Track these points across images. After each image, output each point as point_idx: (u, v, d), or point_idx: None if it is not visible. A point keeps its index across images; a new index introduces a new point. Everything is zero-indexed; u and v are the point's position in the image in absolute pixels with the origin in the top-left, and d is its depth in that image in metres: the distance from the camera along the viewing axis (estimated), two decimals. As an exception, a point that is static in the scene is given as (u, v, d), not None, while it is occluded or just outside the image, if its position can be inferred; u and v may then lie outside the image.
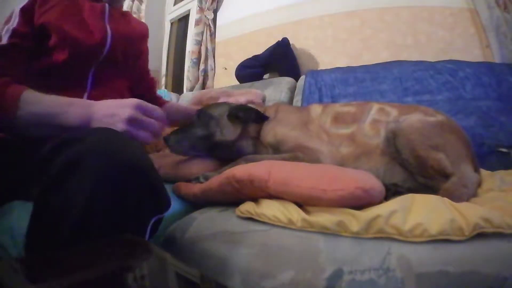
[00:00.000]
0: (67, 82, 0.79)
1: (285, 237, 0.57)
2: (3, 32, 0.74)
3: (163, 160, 1.05)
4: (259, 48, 1.98)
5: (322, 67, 1.69)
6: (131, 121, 0.63)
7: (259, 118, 0.95)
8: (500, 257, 0.46)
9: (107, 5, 0.90)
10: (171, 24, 2.80)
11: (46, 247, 0.45)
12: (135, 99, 0.68)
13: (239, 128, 0.94)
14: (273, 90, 1.63)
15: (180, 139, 0.94)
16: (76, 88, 0.81)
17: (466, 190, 0.70)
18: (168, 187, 0.65)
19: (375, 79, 1.41)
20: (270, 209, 0.62)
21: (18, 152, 0.67)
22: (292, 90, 1.64)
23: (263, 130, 0.96)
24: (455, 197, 0.64)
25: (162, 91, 2.17)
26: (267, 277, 0.52)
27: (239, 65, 1.99)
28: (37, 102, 0.64)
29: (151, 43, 1.13)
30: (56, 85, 0.71)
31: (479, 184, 0.76)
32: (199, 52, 2.33)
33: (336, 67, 1.61)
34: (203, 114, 0.97)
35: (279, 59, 1.88)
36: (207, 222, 0.69)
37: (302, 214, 0.58)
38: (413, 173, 0.78)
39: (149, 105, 0.69)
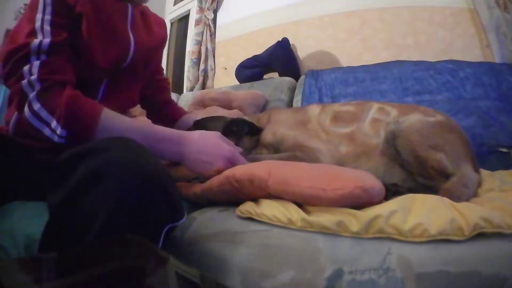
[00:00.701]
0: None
1: (285, 237, 0.57)
2: (38, 23, 0.63)
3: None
4: (259, 48, 1.98)
5: (322, 67, 1.69)
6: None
7: (253, 131, 0.98)
8: (500, 257, 0.46)
9: (130, 6, 0.82)
10: (171, 24, 2.80)
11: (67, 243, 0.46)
12: (230, 149, 0.74)
13: (233, 141, 0.95)
14: (273, 90, 1.63)
15: None
16: (87, 95, 0.73)
17: (466, 190, 0.70)
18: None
19: (375, 79, 1.41)
20: (270, 209, 0.62)
21: (21, 152, 0.66)
22: (292, 90, 1.64)
23: (262, 133, 0.98)
24: (455, 196, 0.64)
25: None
26: (267, 277, 0.52)
27: (239, 65, 1.99)
28: (115, 129, 0.64)
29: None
30: None
31: (479, 184, 0.76)
32: (199, 52, 2.33)
33: (336, 67, 1.61)
34: (200, 127, 0.98)
35: (279, 59, 1.88)
36: (207, 222, 0.69)
37: (302, 214, 0.58)
38: (413, 173, 0.78)
39: (241, 159, 0.75)
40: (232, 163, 0.72)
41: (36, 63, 0.61)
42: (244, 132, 0.97)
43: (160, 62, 1.07)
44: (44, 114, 0.59)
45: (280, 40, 1.90)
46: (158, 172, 0.50)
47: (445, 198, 0.59)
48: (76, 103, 0.62)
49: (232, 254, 0.58)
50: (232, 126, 0.97)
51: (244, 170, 0.69)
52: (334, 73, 1.53)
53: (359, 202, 0.57)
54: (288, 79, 1.70)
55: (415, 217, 0.51)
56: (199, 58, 2.32)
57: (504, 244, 0.48)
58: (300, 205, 0.62)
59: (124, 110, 0.87)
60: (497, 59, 1.45)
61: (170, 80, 2.69)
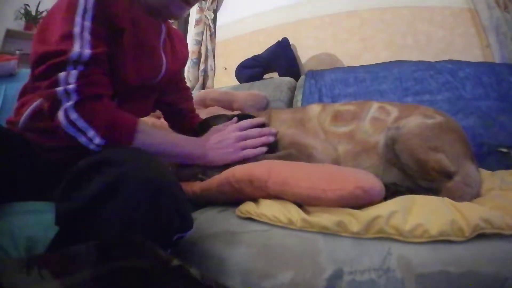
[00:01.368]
0: None
1: (285, 237, 0.57)
2: (77, 29, 0.61)
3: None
4: (259, 48, 1.98)
5: (322, 67, 1.69)
6: (241, 140, 0.80)
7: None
8: (500, 257, 0.46)
9: (163, 25, 0.81)
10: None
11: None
12: (233, 129, 0.83)
13: None
14: (273, 90, 1.63)
15: None
16: None
17: (470, 189, 0.70)
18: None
19: (375, 79, 1.41)
20: (270, 209, 0.62)
21: (28, 148, 0.66)
22: (292, 90, 1.64)
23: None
24: (458, 196, 0.64)
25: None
26: (267, 277, 0.52)
27: (239, 65, 1.99)
28: (153, 139, 0.69)
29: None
30: None
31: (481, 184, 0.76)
32: (199, 52, 2.33)
33: (336, 67, 1.61)
34: (206, 125, 1.00)
35: (279, 59, 1.88)
36: (207, 222, 0.69)
37: (302, 214, 0.58)
38: (415, 177, 0.76)
39: (246, 122, 0.83)
40: (245, 138, 0.81)
41: (74, 73, 0.60)
42: None
43: (182, 72, 1.10)
44: (81, 124, 0.60)
45: (280, 40, 1.90)
46: (171, 185, 0.51)
47: (445, 198, 0.59)
48: (115, 115, 0.64)
49: (232, 254, 0.58)
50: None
51: (243, 170, 0.69)
52: (334, 73, 1.53)
53: (359, 203, 0.57)
54: (288, 79, 1.70)
55: (416, 218, 0.51)
56: (199, 58, 2.32)
57: (504, 245, 0.48)
58: (300, 205, 0.62)
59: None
60: (497, 59, 1.45)
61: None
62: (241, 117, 0.97)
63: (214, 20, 2.36)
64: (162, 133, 0.75)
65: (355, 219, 0.54)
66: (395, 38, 1.72)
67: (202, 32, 2.33)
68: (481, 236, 0.49)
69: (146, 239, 0.45)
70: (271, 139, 0.85)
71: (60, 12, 0.64)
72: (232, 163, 0.79)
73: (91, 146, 0.61)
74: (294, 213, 0.59)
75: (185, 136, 0.81)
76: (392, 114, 0.88)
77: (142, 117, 0.96)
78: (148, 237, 0.46)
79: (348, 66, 1.58)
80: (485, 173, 0.84)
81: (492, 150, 1.06)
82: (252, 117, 0.98)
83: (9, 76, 1.45)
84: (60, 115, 0.59)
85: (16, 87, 1.42)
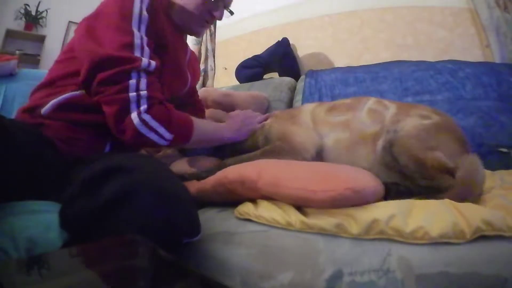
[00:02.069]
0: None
1: (284, 237, 0.57)
2: (137, 41, 0.70)
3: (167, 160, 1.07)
4: (259, 48, 1.98)
5: (322, 67, 1.69)
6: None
7: None
8: (500, 258, 0.46)
9: (188, 47, 0.95)
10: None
11: None
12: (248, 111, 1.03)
13: None
14: (273, 90, 1.63)
15: None
16: None
17: (475, 181, 0.68)
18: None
19: (375, 79, 1.41)
20: (268, 211, 0.62)
21: (43, 141, 0.68)
22: (292, 90, 1.64)
23: (260, 130, 1.01)
24: (464, 192, 0.63)
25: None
26: (267, 277, 0.52)
27: (239, 65, 1.98)
28: (203, 130, 0.81)
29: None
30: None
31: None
32: (199, 52, 2.33)
33: (336, 67, 1.61)
34: None
35: (279, 59, 1.88)
36: (207, 222, 0.69)
37: (301, 216, 0.58)
38: (415, 178, 0.75)
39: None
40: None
41: (144, 81, 0.69)
42: None
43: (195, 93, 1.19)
44: (153, 123, 0.69)
45: (280, 40, 1.89)
46: (181, 192, 0.54)
47: (446, 200, 0.58)
48: (177, 115, 0.74)
49: (231, 255, 0.58)
50: None
51: (235, 171, 0.69)
52: (334, 73, 1.53)
53: (351, 204, 0.56)
54: (288, 79, 1.69)
55: (416, 220, 0.51)
56: (199, 58, 2.32)
57: (504, 246, 0.48)
58: (299, 206, 0.62)
59: None
60: (497, 59, 1.44)
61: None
62: None
63: (214, 20, 2.35)
64: (206, 124, 0.85)
65: (354, 221, 0.53)
66: (395, 38, 1.71)
67: (202, 32, 2.33)
68: (481, 237, 0.49)
69: (157, 243, 0.46)
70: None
71: (113, 16, 0.71)
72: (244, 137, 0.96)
73: (161, 142, 0.70)
74: (292, 215, 0.59)
75: (219, 124, 0.95)
76: (390, 108, 0.88)
77: None
78: (159, 242, 0.47)
79: (348, 66, 1.58)
80: (485, 173, 0.83)
81: (492, 150, 1.06)
82: None
83: (9, 76, 1.45)
84: (134, 117, 0.67)
85: (16, 87, 1.43)
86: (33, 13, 3.49)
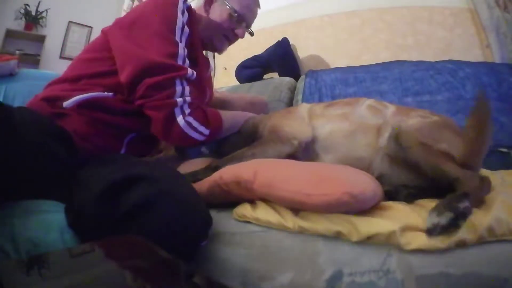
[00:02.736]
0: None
1: (284, 238, 0.57)
2: (181, 52, 0.77)
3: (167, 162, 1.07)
4: (259, 48, 1.98)
5: (322, 67, 1.69)
6: None
7: None
8: (500, 258, 0.46)
9: (211, 61, 1.02)
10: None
11: None
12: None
13: None
14: (273, 90, 1.62)
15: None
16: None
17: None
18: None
19: (375, 79, 1.41)
20: (265, 214, 0.61)
21: (60, 135, 0.69)
22: (292, 90, 1.64)
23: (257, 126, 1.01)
24: (477, 193, 0.59)
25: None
26: (267, 278, 0.52)
27: (239, 65, 1.98)
28: (228, 119, 0.88)
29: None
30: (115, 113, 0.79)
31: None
32: (199, 52, 2.33)
33: (336, 67, 1.61)
34: None
35: (279, 59, 1.88)
36: (207, 223, 0.69)
37: (298, 221, 0.56)
38: (420, 167, 0.70)
39: None
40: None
41: (187, 88, 0.77)
42: None
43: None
44: (195, 124, 0.78)
45: (280, 40, 1.89)
46: (199, 201, 0.59)
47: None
48: (210, 112, 0.82)
49: (231, 255, 0.58)
50: None
51: (231, 172, 0.68)
52: (334, 73, 1.53)
53: (347, 209, 0.54)
54: (288, 79, 1.69)
55: (419, 239, 0.49)
56: (199, 58, 2.32)
57: (505, 246, 0.48)
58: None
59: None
60: (497, 59, 1.44)
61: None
62: None
63: (214, 20, 2.35)
64: (227, 113, 0.90)
65: (354, 230, 0.52)
66: (395, 38, 1.71)
67: (202, 32, 2.33)
68: (481, 237, 0.49)
69: (177, 249, 0.48)
70: None
71: (157, 26, 0.77)
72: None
73: (200, 137, 0.79)
74: (289, 219, 0.58)
75: (235, 112, 1.02)
76: (389, 108, 0.88)
77: None
78: (179, 248, 0.51)
79: (348, 66, 1.58)
80: (485, 172, 0.83)
81: (492, 150, 1.06)
82: None
83: (9, 76, 1.45)
84: (180, 120, 0.75)
85: (16, 87, 1.43)
86: (33, 13, 3.48)
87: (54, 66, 3.34)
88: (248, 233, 0.61)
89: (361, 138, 0.83)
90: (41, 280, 0.35)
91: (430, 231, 0.49)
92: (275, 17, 2.08)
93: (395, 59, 1.51)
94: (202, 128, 0.79)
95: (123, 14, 1.47)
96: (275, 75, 1.90)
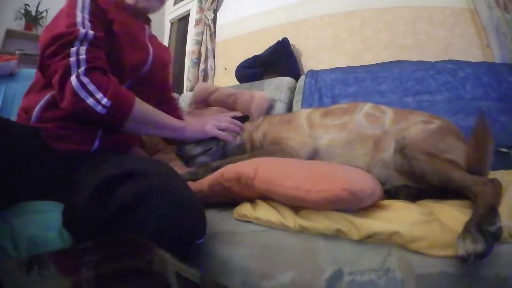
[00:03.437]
0: None
1: (285, 237, 0.57)
2: (79, 19, 0.74)
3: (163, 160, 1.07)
4: (259, 48, 1.98)
5: (322, 67, 1.69)
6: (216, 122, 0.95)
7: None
8: (500, 258, 0.46)
9: (146, 26, 0.96)
10: (171, 24, 2.80)
11: None
12: (212, 118, 0.97)
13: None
14: (273, 90, 1.62)
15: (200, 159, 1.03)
16: None
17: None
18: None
19: (375, 79, 1.41)
20: (265, 213, 0.62)
21: (41, 143, 0.70)
22: (292, 90, 1.63)
23: (255, 133, 1.03)
24: (491, 199, 0.56)
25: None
26: (267, 277, 0.52)
27: (239, 65, 1.99)
28: (147, 110, 0.80)
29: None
30: None
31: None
32: (199, 52, 2.33)
33: (336, 67, 1.61)
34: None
35: (279, 59, 1.88)
36: (207, 222, 0.69)
37: (299, 220, 0.57)
38: (430, 179, 0.69)
39: (224, 115, 0.98)
40: (218, 123, 0.96)
41: (84, 47, 0.71)
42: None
43: (170, 82, 1.19)
44: (91, 87, 0.69)
45: (280, 40, 1.89)
46: (191, 196, 0.57)
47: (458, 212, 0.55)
48: (119, 87, 0.74)
49: (232, 255, 0.58)
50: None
51: (232, 169, 0.69)
52: (334, 73, 1.53)
53: (346, 206, 0.55)
54: (288, 79, 1.69)
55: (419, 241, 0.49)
56: (199, 58, 2.32)
57: (505, 246, 0.47)
58: (299, 208, 0.61)
59: None
60: (497, 59, 1.44)
61: (171, 80, 2.69)
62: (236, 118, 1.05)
63: (214, 20, 2.35)
64: (154, 109, 0.83)
65: (355, 229, 0.52)
66: (395, 38, 1.71)
67: (202, 32, 2.33)
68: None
69: (171, 246, 0.47)
70: (237, 129, 1.00)
71: (63, 11, 0.77)
72: (206, 135, 0.94)
73: (98, 108, 0.69)
74: (290, 218, 0.58)
75: (169, 116, 0.90)
76: (387, 113, 0.88)
77: None
78: (174, 243, 0.50)
79: (348, 66, 1.58)
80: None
81: (492, 150, 1.06)
82: (245, 118, 1.07)
83: (9, 76, 1.45)
84: (73, 79, 0.68)
85: (16, 87, 1.43)
86: (33, 13, 3.48)
87: (54, 66, 3.33)
88: (248, 233, 0.61)
89: (358, 148, 0.84)
90: (41, 280, 0.35)
91: (465, 260, 0.44)
92: (275, 17, 2.08)
93: (395, 59, 1.51)
94: (99, 95, 0.70)
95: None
96: (275, 75, 1.90)
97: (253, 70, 1.93)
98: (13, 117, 0.79)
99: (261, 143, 0.99)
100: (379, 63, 1.52)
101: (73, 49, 0.70)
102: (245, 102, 1.56)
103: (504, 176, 0.80)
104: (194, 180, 0.83)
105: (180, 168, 0.97)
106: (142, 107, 0.78)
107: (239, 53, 2.10)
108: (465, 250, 0.44)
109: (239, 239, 0.60)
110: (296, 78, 1.70)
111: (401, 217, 0.54)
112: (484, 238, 0.45)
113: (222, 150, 1.02)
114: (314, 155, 0.89)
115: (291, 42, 1.89)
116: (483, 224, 0.48)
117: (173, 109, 1.11)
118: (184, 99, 1.98)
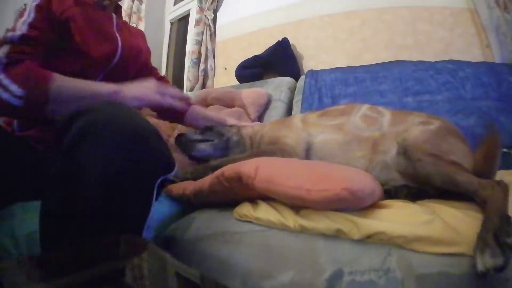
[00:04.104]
0: None
1: (285, 237, 0.57)
2: (20, 24, 0.75)
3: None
4: (259, 48, 1.98)
5: (322, 67, 1.69)
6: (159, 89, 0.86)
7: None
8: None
9: (113, 15, 0.95)
10: (171, 24, 2.80)
11: (67, 208, 0.48)
12: (156, 85, 0.87)
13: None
14: (273, 90, 1.63)
15: (200, 145, 1.04)
16: None
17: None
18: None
19: (375, 79, 1.41)
20: (266, 213, 0.61)
21: (23, 145, 0.72)
22: (292, 90, 1.64)
23: (255, 135, 1.04)
24: (500, 205, 0.54)
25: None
26: (267, 277, 0.52)
27: (239, 65, 1.98)
28: (69, 82, 0.74)
29: (151, 43, 1.13)
30: None
31: None
32: (199, 52, 2.33)
33: (336, 67, 1.61)
34: (209, 131, 1.08)
35: (279, 59, 1.88)
36: (207, 222, 0.69)
37: (299, 220, 0.57)
38: (434, 181, 0.67)
39: (168, 89, 0.90)
40: (161, 92, 0.87)
41: (6, 46, 0.72)
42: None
43: (149, 65, 1.15)
44: (6, 81, 0.68)
45: (280, 40, 1.89)
46: (144, 130, 0.53)
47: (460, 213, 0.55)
48: (31, 67, 0.71)
49: (232, 254, 0.58)
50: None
51: (232, 168, 0.69)
52: (334, 73, 1.53)
53: (346, 205, 0.55)
54: (288, 79, 1.70)
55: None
56: (199, 58, 2.32)
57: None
58: (299, 207, 0.61)
59: None
60: (497, 59, 1.44)
61: (170, 80, 2.69)
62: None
63: (214, 20, 2.35)
64: (77, 80, 0.77)
65: (356, 228, 0.52)
66: (395, 38, 1.71)
67: (202, 32, 2.33)
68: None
69: (133, 184, 0.47)
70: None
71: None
72: (148, 102, 0.85)
73: (12, 99, 0.67)
74: (290, 218, 0.58)
75: (97, 83, 0.84)
76: (385, 115, 0.88)
77: None
78: (129, 181, 0.49)
79: (348, 66, 1.58)
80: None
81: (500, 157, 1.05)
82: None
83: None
84: None
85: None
86: (33, 13, 3.48)
87: (54, 66, 3.33)
88: (248, 233, 0.61)
89: (355, 151, 0.84)
90: (41, 280, 0.35)
91: (485, 275, 0.43)
92: (275, 17, 2.08)
93: (395, 59, 1.51)
94: (13, 87, 0.67)
95: (123, 14, 1.47)
96: (275, 75, 1.90)
97: (253, 70, 1.94)
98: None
99: (258, 145, 1.00)
100: (379, 63, 1.52)
101: None
102: (243, 97, 1.56)
103: (504, 176, 0.80)
104: (194, 179, 0.83)
105: (180, 167, 0.97)
106: (62, 84, 0.73)
107: (239, 53, 2.10)
108: (484, 266, 0.43)
109: (239, 239, 0.60)
110: (296, 78, 1.71)
111: (402, 217, 0.55)
112: (503, 251, 0.44)
113: (225, 145, 1.03)
114: (309, 151, 0.89)
115: (291, 42, 1.89)
116: (500, 236, 0.46)
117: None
118: (184, 99, 1.97)
